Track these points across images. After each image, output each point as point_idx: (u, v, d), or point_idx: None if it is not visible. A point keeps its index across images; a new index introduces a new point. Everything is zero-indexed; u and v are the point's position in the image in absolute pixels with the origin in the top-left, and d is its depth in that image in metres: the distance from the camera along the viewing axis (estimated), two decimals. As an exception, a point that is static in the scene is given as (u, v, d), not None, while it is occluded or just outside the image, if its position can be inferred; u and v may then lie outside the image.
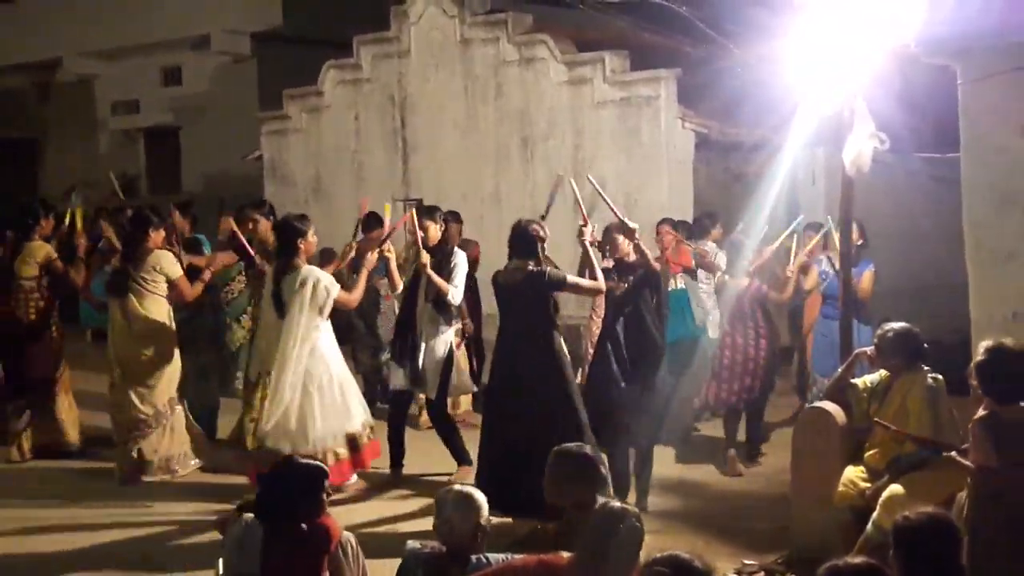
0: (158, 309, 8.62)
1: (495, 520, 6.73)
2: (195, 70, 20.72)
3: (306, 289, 7.79)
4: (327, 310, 7.90)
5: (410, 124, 15.36)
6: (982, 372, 5.44)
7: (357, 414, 8.11)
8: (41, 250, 9.11)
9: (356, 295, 8.19)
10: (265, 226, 9.44)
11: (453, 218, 9.98)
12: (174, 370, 8.72)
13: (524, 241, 7.46)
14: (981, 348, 5.51)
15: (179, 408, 8.77)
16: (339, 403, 7.98)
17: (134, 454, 8.54)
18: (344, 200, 15.89)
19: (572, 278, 7.52)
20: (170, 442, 8.67)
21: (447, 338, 8.53)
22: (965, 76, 6.94)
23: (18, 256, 9.14)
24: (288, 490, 4.72)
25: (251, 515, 4.76)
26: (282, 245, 8.04)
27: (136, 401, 8.53)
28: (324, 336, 7.98)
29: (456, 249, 8.74)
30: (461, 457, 8.50)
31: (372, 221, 11.62)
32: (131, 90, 21.62)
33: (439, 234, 8.59)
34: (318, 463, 4.96)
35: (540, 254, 7.47)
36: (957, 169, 7.17)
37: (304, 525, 4.67)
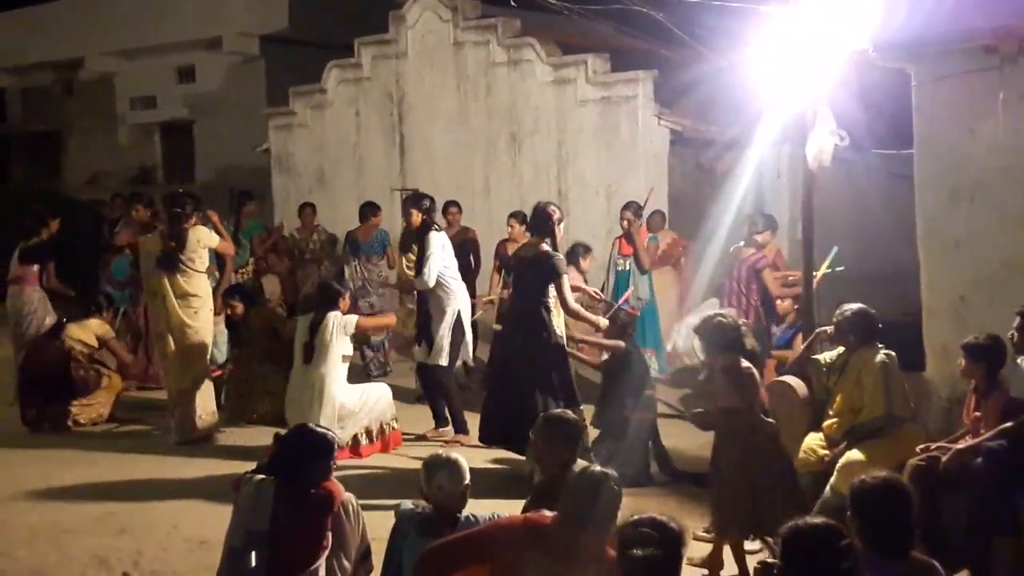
0: (201, 285, 8.80)
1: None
2: (208, 69, 20.63)
3: (329, 331, 8.05)
4: (346, 343, 8.16)
5: (407, 120, 15.32)
6: (698, 336, 6.43)
7: (376, 410, 8.35)
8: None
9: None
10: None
11: (455, 206, 9.94)
12: (211, 340, 8.97)
13: (540, 220, 7.69)
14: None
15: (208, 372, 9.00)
16: (360, 407, 8.25)
17: (183, 416, 8.70)
18: (346, 190, 15.86)
19: (567, 283, 7.55)
20: (204, 405, 8.84)
21: (452, 309, 8.57)
22: (918, 79, 6.97)
23: None
24: (302, 454, 4.75)
25: (262, 476, 4.79)
26: (323, 301, 8.29)
27: (182, 369, 8.70)
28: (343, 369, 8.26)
29: (431, 233, 8.71)
30: (458, 425, 8.55)
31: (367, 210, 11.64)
32: (148, 87, 21.53)
33: (419, 220, 8.68)
34: (331, 433, 4.98)
35: (555, 232, 7.65)
36: (911, 164, 7.21)
37: (312, 488, 4.70)
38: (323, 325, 8.04)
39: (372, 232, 11.48)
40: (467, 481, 4.72)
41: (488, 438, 7.81)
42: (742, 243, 9.20)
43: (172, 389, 8.80)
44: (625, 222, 10.23)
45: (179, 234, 8.67)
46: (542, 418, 5.24)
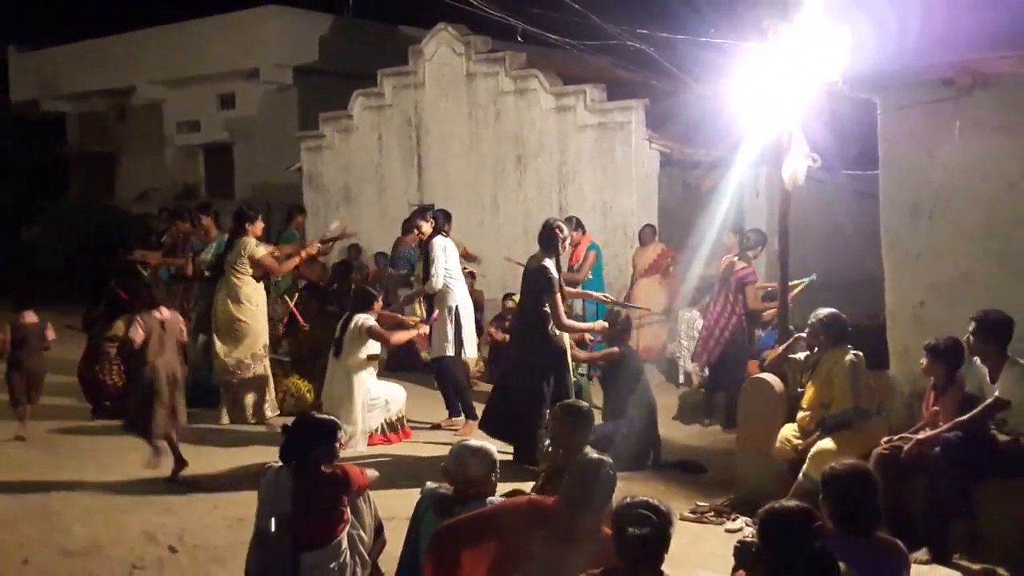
0: (249, 288, 8.78)
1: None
2: (246, 96, 20.67)
3: (351, 330, 8.05)
4: (369, 342, 8.10)
5: (424, 143, 15.34)
6: None
7: (393, 407, 8.30)
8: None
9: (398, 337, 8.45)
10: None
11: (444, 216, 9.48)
12: (259, 331, 8.83)
13: (545, 235, 7.62)
14: None
15: (264, 363, 8.88)
16: (380, 402, 8.19)
17: (233, 404, 8.79)
18: (369, 205, 15.91)
19: (556, 298, 7.43)
20: (256, 391, 8.85)
21: (451, 305, 8.59)
22: (883, 107, 6.97)
23: None
24: (305, 438, 4.73)
25: (280, 464, 4.77)
26: (358, 304, 8.24)
27: (222, 353, 8.72)
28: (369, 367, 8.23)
29: (435, 238, 8.72)
30: (468, 412, 8.55)
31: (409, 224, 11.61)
32: (193, 112, 21.57)
33: (430, 230, 8.73)
34: (333, 418, 4.96)
35: (558, 247, 7.61)
36: (876, 184, 7.19)
37: (325, 468, 4.68)
38: (350, 325, 8.08)
39: (402, 247, 11.53)
40: (493, 472, 4.64)
41: (487, 428, 7.60)
42: (736, 257, 9.09)
43: (223, 380, 8.80)
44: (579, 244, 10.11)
45: (230, 243, 8.87)
46: (559, 406, 5.32)
